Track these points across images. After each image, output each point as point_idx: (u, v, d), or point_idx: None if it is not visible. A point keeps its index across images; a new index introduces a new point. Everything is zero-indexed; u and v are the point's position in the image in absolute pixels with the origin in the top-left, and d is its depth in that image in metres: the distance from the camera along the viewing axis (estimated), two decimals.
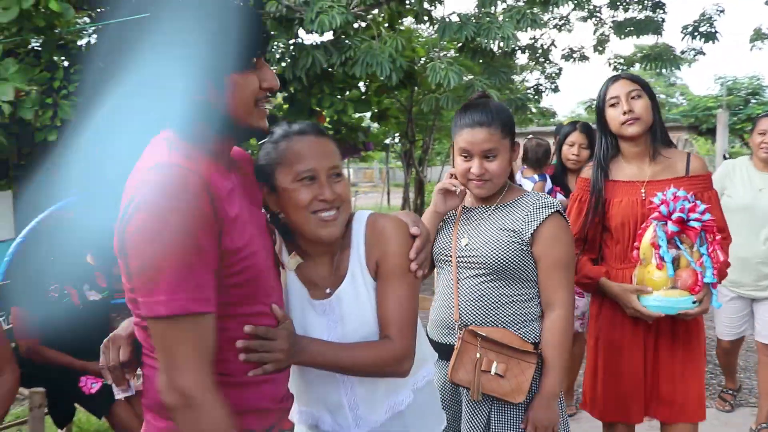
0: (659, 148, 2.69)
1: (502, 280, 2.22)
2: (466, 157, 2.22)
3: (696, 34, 8.65)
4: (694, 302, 2.45)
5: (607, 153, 2.77)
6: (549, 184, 4.35)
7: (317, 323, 1.75)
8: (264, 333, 1.51)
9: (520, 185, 2.56)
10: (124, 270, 1.42)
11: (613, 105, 2.66)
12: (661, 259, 2.47)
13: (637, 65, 9.70)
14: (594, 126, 4.48)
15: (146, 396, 1.53)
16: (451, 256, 2.29)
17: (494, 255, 2.20)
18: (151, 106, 1.51)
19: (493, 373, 2.13)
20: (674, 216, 2.43)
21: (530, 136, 5.28)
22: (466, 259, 2.25)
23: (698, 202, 2.47)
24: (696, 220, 2.42)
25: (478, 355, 2.14)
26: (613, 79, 2.73)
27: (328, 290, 1.77)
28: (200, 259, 1.33)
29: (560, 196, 4.25)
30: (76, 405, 3.74)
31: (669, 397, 2.67)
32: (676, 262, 2.48)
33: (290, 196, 1.66)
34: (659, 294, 2.48)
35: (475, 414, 2.23)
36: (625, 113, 2.62)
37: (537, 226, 2.19)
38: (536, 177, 4.42)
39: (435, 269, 2.46)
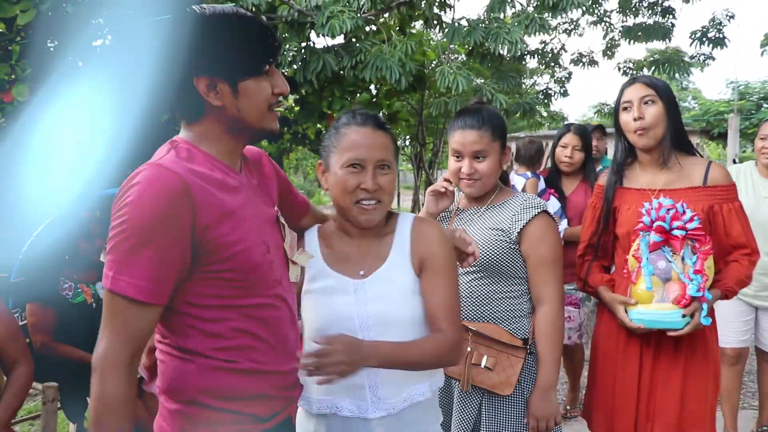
0: (673, 156, 2.57)
1: (492, 277, 2.33)
2: (458, 157, 2.37)
3: (705, 39, 8.66)
4: (683, 316, 2.36)
5: (623, 158, 2.71)
6: (542, 185, 4.30)
7: (344, 301, 1.86)
8: (319, 353, 1.59)
9: (514, 185, 2.66)
10: None
11: (626, 109, 2.58)
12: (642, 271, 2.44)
13: (646, 70, 9.69)
14: (591, 128, 4.46)
15: (159, 380, 1.65)
16: None
17: (484, 253, 2.31)
18: (162, 106, 1.67)
19: (483, 366, 2.25)
20: (655, 225, 2.40)
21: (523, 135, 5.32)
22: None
23: (687, 210, 2.40)
24: (679, 228, 2.37)
25: (468, 349, 2.26)
26: (630, 82, 2.63)
27: (362, 272, 1.89)
28: (157, 252, 1.45)
29: (553, 199, 4.21)
30: (89, 399, 3.80)
31: (665, 418, 2.53)
32: (667, 275, 2.41)
33: (338, 180, 1.83)
34: (643, 307, 2.44)
35: (466, 405, 2.34)
36: (635, 120, 2.54)
37: (523, 225, 2.31)
38: (529, 174, 4.38)
39: None
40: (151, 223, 1.45)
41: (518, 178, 4.41)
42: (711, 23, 8.76)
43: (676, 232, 2.38)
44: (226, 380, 1.58)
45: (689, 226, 2.37)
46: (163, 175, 1.48)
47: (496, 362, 2.27)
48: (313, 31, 6.91)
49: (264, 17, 6.92)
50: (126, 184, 1.50)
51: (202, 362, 1.56)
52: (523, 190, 4.20)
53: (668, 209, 2.40)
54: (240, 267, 1.57)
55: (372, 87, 9.24)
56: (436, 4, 6.87)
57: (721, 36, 8.66)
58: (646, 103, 2.53)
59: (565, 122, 21.28)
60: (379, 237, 1.92)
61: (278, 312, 1.68)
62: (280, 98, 1.67)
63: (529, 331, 2.35)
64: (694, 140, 20.43)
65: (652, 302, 2.43)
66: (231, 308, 1.58)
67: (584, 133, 4.17)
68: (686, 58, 9.52)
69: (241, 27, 1.59)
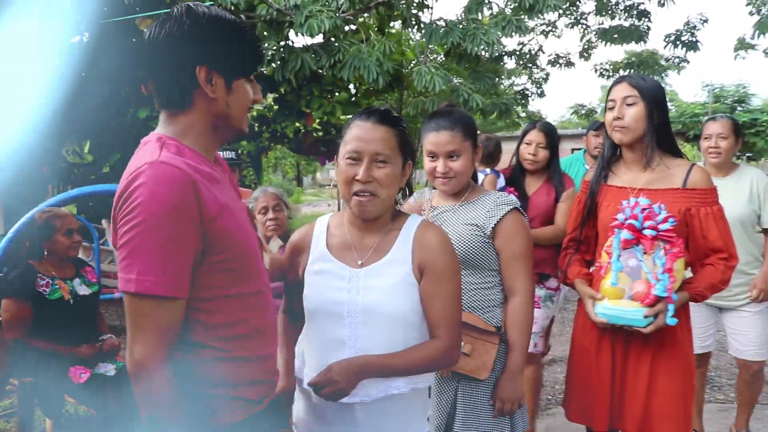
0: (657, 157, 2.61)
1: (467, 269, 2.44)
2: (432, 157, 2.51)
3: (679, 42, 8.80)
4: (645, 316, 2.41)
5: (608, 155, 2.76)
6: (501, 182, 4.13)
7: (337, 286, 1.97)
8: (317, 382, 1.79)
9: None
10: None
11: (610, 108, 2.64)
12: (610, 267, 2.50)
13: (621, 72, 9.82)
14: (597, 125, 4.33)
15: None
16: None
17: (460, 247, 2.43)
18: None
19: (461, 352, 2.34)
20: (627, 223, 2.46)
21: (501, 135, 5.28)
22: None
23: (663, 211, 2.44)
24: (651, 228, 2.42)
25: None
26: (618, 81, 2.67)
27: (360, 262, 1.99)
28: (175, 248, 1.51)
29: (512, 197, 4.05)
30: (66, 396, 3.81)
31: (635, 412, 2.59)
32: (637, 273, 2.47)
33: (340, 170, 1.95)
34: (609, 302, 2.50)
35: (444, 391, 2.48)
36: (615, 119, 2.60)
37: (497, 221, 2.45)
38: (487, 170, 4.26)
39: None
40: (168, 219, 1.49)
41: (478, 175, 4.34)
42: (685, 27, 8.90)
43: (647, 232, 2.43)
44: (223, 368, 1.65)
45: (661, 227, 2.41)
46: (168, 171, 1.53)
47: (473, 348, 2.39)
48: (292, 30, 6.93)
49: (243, 16, 6.93)
50: (128, 186, 1.53)
51: (203, 352, 1.63)
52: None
53: (643, 209, 2.45)
54: (238, 256, 1.66)
55: (351, 86, 9.27)
56: (415, 4, 6.92)
57: (694, 39, 8.79)
58: (628, 103, 2.58)
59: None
60: (384, 233, 2.01)
61: (266, 299, 1.78)
62: (252, 105, 1.78)
63: (501, 320, 2.49)
64: None
65: (622, 299, 2.48)
66: (231, 298, 1.66)
67: (549, 130, 3.98)
68: (662, 61, 9.67)
69: (241, 30, 1.70)
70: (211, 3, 5.61)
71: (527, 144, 3.97)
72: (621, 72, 9.79)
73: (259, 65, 1.78)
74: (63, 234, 3.81)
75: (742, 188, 3.82)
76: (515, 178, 4.07)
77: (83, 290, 3.88)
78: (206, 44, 1.63)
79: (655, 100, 2.58)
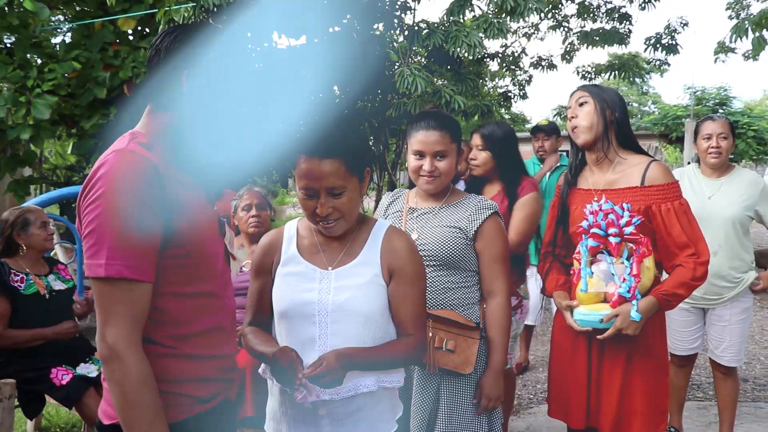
0: (617, 156, 2.65)
1: (448, 269, 2.53)
2: (419, 156, 2.55)
3: (659, 45, 8.87)
4: (601, 321, 2.47)
5: (574, 160, 2.82)
6: (461, 186, 3.82)
7: (308, 287, 2.02)
8: (314, 372, 1.81)
9: None
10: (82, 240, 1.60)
11: (572, 119, 2.71)
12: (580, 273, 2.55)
13: (604, 74, 9.89)
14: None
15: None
16: None
17: (442, 248, 2.51)
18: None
19: (444, 349, 2.44)
20: (592, 231, 2.50)
21: None
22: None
23: (626, 213, 2.45)
24: (614, 235, 2.46)
25: (430, 334, 2.43)
26: (573, 92, 2.76)
27: (330, 267, 2.05)
28: (141, 233, 1.53)
29: (492, 201, 3.86)
30: (46, 396, 3.80)
31: (610, 410, 2.63)
32: (609, 276, 2.51)
33: (301, 203, 2.01)
34: (584, 308, 2.55)
35: (426, 387, 2.54)
36: (570, 119, 2.69)
37: (479, 225, 2.51)
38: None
39: None
40: (130, 202, 1.51)
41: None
42: (665, 30, 8.97)
43: (612, 239, 2.47)
44: (171, 365, 1.66)
45: (626, 230, 2.45)
46: (129, 157, 1.56)
47: (456, 344, 2.46)
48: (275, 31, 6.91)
49: (225, 17, 6.91)
50: (91, 176, 1.56)
51: (151, 349, 1.62)
52: None
53: (606, 214, 2.49)
54: (195, 253, 1.68)
55: (336, 87, 9.25)
56: (398, 6, 6.93)
57: (674, 43, 8.87)
58: (580, 104, 2.68)
59: (527, 124, 21.48)
60: (353, 237, 2.09)
61: (221, 301, 1.78)
62: None
63: (479, 316, 2.57)
64: (653, 143, 20.86)
65: (600, 303, 2.55)
66: (183, 296, 1.67)
67: (489, 132, 3.60)
68: (644, 64, 9.74)
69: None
70: (193, 4, 5.61)
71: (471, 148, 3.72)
72: (603, 74, 9.85)
73: None
74: (38, 227, 3.84)
75: (736, 190, 3.75)
76: (473, 185, 3.74)
77: (58, 285, 3.90)
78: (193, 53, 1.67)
79: (607, 99, 2.65)
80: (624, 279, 2.47)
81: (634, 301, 2.46)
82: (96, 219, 1.51)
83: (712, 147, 3.76)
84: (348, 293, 1.99)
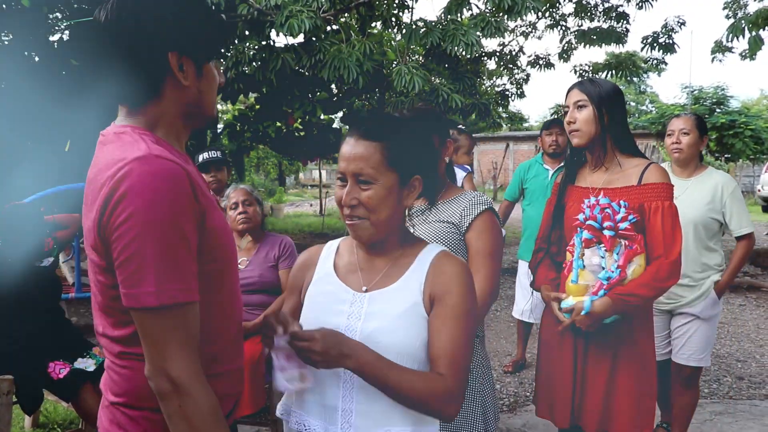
0: (615, 158, 2.67)
1: None
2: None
3: (656, 45, 8.90)
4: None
5: (570, 157, 2.84)
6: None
7: (338, 309, 1.76)
8: (299, 335, 1.57)
9: None
10: (99, 264, 1.43)
11: (566, 113, 2.71)
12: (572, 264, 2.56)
13: (600, 73, 9.92)
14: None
15: (119, 389, 1.55)
16: None
17: (433, 242, 2.44)
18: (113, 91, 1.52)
19: None
20: (587, 223, 2.52)
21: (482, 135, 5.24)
22: None
23: (622, 209, 2.48)
24: (609, 228, 2.48)
25: None
26: (571, 88, 2.74)
27: (364, 288, 1.78)
28: (186, 249, 1.36)
29: (486, 197, 3.88)
30: (44, 392, 3.80)
31: (595, 409, 2.63)
32: (599, 269, 2.51)
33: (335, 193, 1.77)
34: (573, 299, 2.54)
35: None
36: (568, 123, 2.69)
37: (472, 220, 2.50)
38: (468, 167, 4.14)
39: None
40: (171, 217, 1.34)
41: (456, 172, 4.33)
42: (663, 29, 9.00)
43: (607, 232, 2.49)
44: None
45: (620, 225, 2.47)
46: (160, 164, 1.36)
47: None
48: (273, 29, 6.94)
49: (223, 15, 6.94)
50: (114, 189, 1.34)
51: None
52: None
53: (603, 208, 2.51)
54: (222, 257, 1.52)
55: (333, 86, 9.29)
56: (395, 4, 6.96)
57: (671, 42, 8.89)
58: (578, 107, 2.66)
59: (525, 123, 21.47)
60: (395, 259, 1.80)
61: (238, 307, 1.66)
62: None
63: None
64: (650, 142, 20.90)
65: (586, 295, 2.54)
66: (208, 305, 1.48)
67: (468, 132, 3.58)
68: (641, 63, 9.78)
69: (205, 7, 1.56)
70: None
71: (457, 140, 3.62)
72: (600, 73, 9.88)
73: (226, 40, 1.66)
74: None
75: (703, 192, 3.68)
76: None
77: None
78: (175, 28, 1.46)
79: (606, 102, 2.63)
80: (611, 270, 2.49)
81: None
82: (134, 240, 1.31)
83: (674, 143, 3.75)
84: (378, 322, 1.70)
